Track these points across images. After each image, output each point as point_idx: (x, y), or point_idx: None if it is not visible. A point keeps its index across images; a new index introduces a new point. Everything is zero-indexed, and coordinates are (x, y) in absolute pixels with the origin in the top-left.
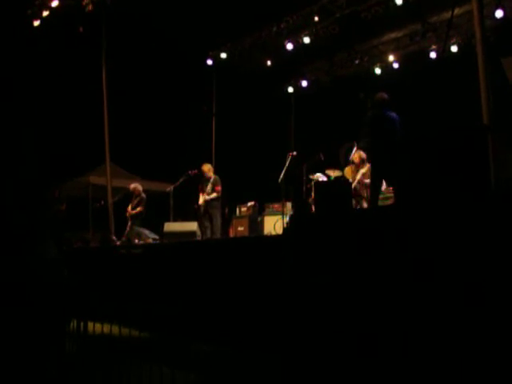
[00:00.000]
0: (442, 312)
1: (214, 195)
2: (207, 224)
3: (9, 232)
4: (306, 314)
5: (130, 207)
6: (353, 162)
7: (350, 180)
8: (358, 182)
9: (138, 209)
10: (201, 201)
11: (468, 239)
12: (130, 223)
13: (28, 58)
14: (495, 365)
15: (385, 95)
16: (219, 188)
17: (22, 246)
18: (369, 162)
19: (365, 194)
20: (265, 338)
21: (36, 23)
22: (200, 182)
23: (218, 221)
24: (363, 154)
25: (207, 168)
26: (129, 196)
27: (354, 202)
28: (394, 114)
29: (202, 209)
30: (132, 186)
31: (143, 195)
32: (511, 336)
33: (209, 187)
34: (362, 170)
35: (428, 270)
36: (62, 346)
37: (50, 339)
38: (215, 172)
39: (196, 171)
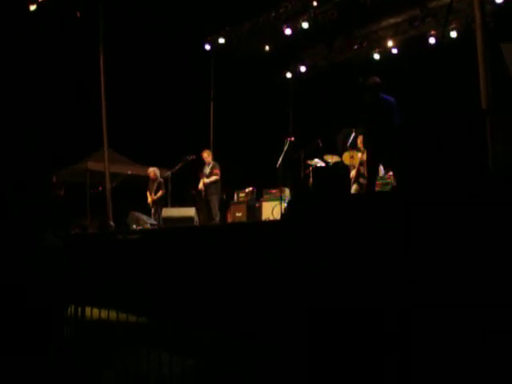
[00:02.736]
0: (442, 300)
1: (213, 178)
2: (205, 209)
3: (8, 219)
4: (303, 301)
5: (148, 193)
6: (354, 147)
7: (350, 165)
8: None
9: (160, 193)
10: (200, 185)
11: (467, 223)
12: (153, 209)
13: (26, 43)
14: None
15: (377, 79)
16: (217, 171)
17: (21, 233)
18: (365, 148)
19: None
20: (266, 326)
21: (32, 8)
22: (200, 167)
23: (215, 206)
24: None
25: (206, 153)
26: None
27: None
28: (390, 98)
29: (202, 193)
30: (150, 170)
31: (160, 179)
32: None
33: (207, 171)
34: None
35: (427, 254)
36: (60, 331)
37: (49, 325)
38: (214, 158)
39: (194, 156)
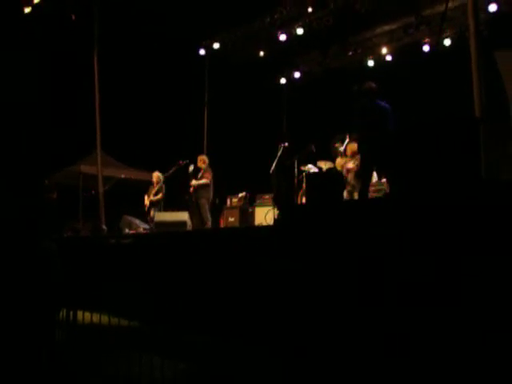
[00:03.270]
0: (437, 305)
1: (202, 181)
2: (197, 213)
3: (3, 223)
4: (296, 306)
5: (146, 196)
6: (344, 154)
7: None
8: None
9: (159, 195)
10: (191, 188)
11: (460, 228)
12: (152, 211)
13: (20, 46)
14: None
15: (373, 84)
16: (208, 175)
17: (17, 236)
18: (359, 153)
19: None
20: (260, 332)
21: (27, 10)
22: (194, 172)
23: (206, 211)
24: (356, 147)
25: (199, 158)
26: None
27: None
28: (384, 104)
29: (193, 197)
30: (155, 174)
31: (162, 184)
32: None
33: (199, 175)
34: (355, 162)
35: (421, 259)
36: (52, 335)
37: (42, 328)
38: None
39: (187, 161)
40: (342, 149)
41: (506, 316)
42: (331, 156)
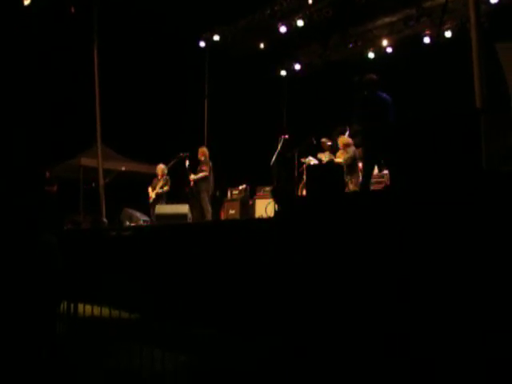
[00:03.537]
0: (437, 299)
1: (201, 175)
2: (198, 206)
3: (8, 217)
4: (296, 298)
5: (151, 189)
6: (336, 147)
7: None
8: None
9: (165, 188)
10: (191, 182)
11: (461, 221)
12: (159, 203)
13: (19, 38)
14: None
15: (374, 76)
16: (205, 168)
17: (16, 231)
18: (361, 146)
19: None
20: (257, 323)
21: (26, 2)
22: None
23: (206, 203)
24: (348, 140)
25: (199, 151)
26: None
27: None
28: (385, 96)
29: (193, 190)
30: (159, 167)
31: (167, 176)
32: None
33: (197, 168)
34: (344, 155)
35: (421, 251)
36: (53, 328)
37: (43, 321)
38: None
39: (187, 153)
40: (329, 143)
41: (507, 311)
42: (332, 148)
